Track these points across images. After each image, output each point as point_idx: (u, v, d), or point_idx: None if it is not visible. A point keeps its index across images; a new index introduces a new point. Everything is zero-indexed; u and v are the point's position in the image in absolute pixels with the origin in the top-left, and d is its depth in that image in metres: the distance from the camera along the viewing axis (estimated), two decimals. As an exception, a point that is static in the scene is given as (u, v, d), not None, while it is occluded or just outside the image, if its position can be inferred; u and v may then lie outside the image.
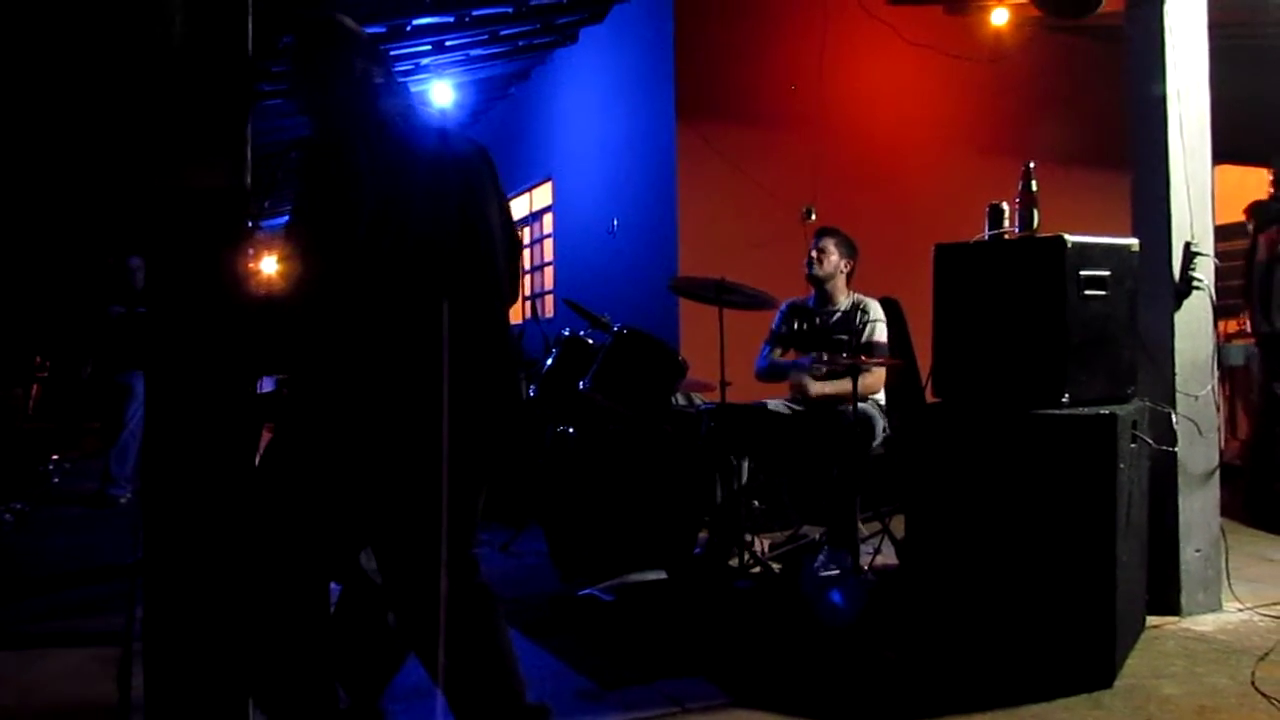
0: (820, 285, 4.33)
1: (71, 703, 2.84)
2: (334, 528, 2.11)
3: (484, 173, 2.22)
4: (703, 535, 4.25)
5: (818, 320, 4.33)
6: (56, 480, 6.94)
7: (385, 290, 1.98)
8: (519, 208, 9.32)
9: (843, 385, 3.90)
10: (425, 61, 6.90)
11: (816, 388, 4.08)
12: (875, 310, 4.24)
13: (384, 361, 1.99)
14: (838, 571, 3.43)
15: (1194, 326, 3.49)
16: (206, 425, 1.85)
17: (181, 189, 1.85)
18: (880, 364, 4.01)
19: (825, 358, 3.99)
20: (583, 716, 2.67)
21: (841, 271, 4.30)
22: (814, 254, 4.28)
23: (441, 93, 6.91)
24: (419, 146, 2.11)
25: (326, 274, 1.96)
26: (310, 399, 2.08)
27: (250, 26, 1.92)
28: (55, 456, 7.21)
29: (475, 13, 6.04)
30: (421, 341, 1.99)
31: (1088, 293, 2.96)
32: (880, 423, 4.12)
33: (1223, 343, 5.45)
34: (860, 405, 3.80)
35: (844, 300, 4.31)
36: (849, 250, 4.31)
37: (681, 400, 4.63)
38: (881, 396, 4.20)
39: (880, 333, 4.19)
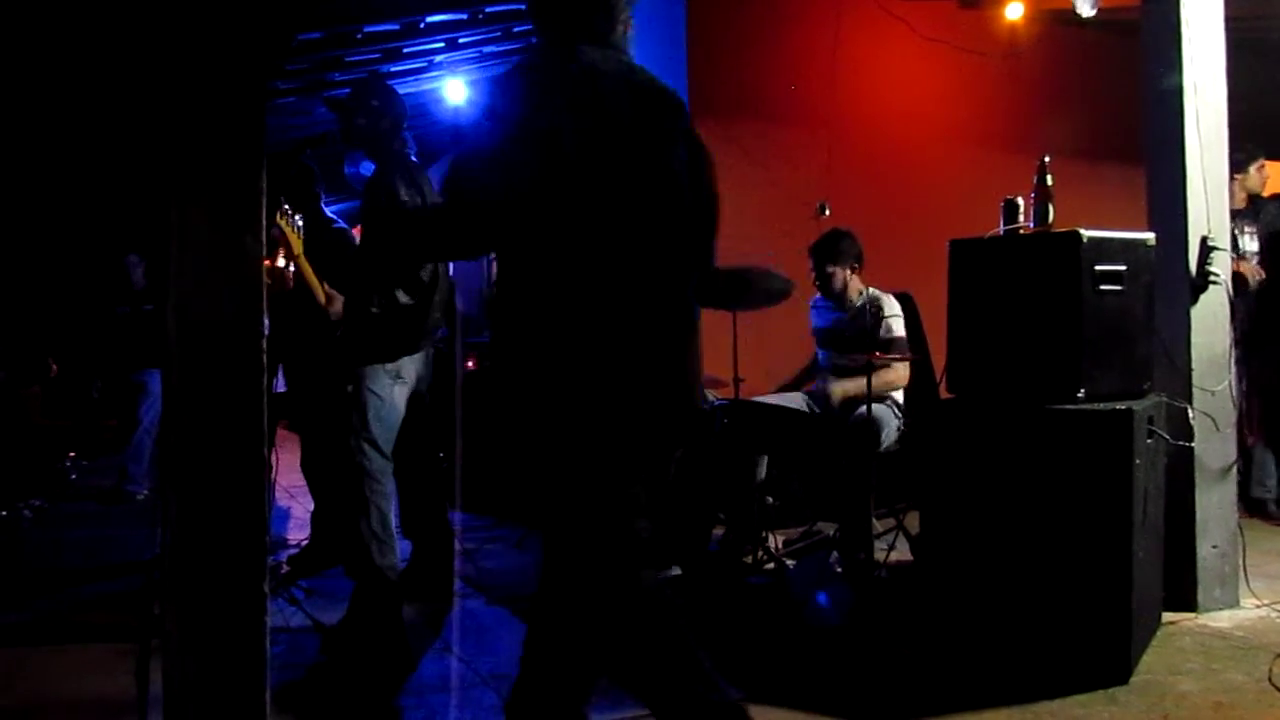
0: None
1: (90, 697, 2.86)
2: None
3: (677, 133, 2.04)
4: (717, 531, 4.25)
5: (832, 319, 4.32)
6: (74, 477, 6.98)
7: (593, 268, 1.89)
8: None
9: (864, 384, 3.86)
10: (439, 59, 6.89)
11: (839, 391, 4.06)
12: (890, 305, 4.19)
13: (572, 344, 1.90)
14: (826, 575, 3.42)
15: (1210, 321, 3.47)
16: (223, 422, 1.86)
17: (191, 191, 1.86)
18: (893, 360, 3.99)
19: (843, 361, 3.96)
20: (595, 711, 2.67)
21: (850, 280, 4.27)
22: (818, 283, 4.24)
23: (454, 90, 6.90)
24: (623, 110, 1.94)
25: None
26: (504, 377, 1.99)
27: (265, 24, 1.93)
28: (72, 454, 7.25)
29: (488, 9, 6.03)
30: (614, 320, 1.90)
31: (1103, 287, 2.94)
32: (894, 423, 4.09)
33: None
34: (874, 405, 3.78)
35: (857, 297, 4.28)
36: (850, 257, 4.24)
37: (695, 396, 4.61)
38: (900, 395, 4.17)
39: (897, 328, 4.14)
